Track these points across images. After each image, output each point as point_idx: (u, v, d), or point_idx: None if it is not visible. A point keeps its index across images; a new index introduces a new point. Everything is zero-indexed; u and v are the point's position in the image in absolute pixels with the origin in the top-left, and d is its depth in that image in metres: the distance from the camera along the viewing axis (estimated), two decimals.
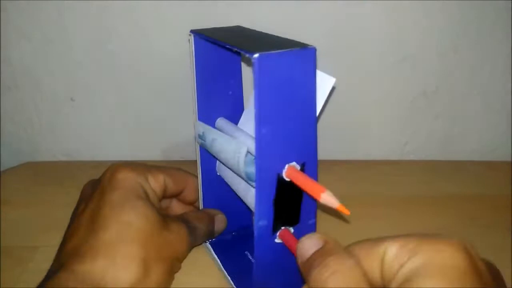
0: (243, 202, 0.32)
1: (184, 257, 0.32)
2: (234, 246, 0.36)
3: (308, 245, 0.23)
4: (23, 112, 0.50)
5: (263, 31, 0.30)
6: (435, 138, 0.52)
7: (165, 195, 0.34)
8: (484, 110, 0.51)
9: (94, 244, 0.27)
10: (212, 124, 0.34)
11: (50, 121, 0.51)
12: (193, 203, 0.37)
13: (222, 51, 0.31)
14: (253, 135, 0.26)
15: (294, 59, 0.24)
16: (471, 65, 0.48)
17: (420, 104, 0.50)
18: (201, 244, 0.35)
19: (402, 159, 0.53)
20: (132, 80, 0.48)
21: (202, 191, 0.35)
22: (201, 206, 0.36)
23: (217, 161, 0.35)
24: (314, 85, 0.26)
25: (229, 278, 0.33)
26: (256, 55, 0.23)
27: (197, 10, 0.44)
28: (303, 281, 0.22)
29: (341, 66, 0.47)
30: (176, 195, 0.36)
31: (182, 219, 0.32)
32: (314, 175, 0.27)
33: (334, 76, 0.26)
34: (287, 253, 0.27)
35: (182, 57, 0.46)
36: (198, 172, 0.35)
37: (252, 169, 0.28)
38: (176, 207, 0.36)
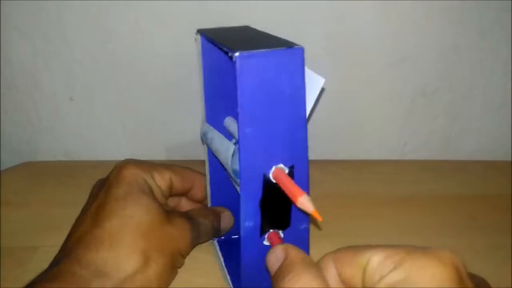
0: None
1: (187, 253, 0.33)
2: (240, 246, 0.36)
3: (272, 260, 0.23)
4: (23, 112, 0.50)
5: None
6: (435, 138, 0.52)
7: (172, 193, 0.34)
8: (484, 110, 0.51)
9: (98, 234, 0.28)
10: (220, 123, 0.34)
11: (49, 121, 0.51)
12: (201, 202, 0.37)
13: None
14: None
15: (280, 58, 0.24)
16: (471, 65, 0.48)
17: (420, 104, 0.50)
18: (207, 241, 0.35)
19: (402, 159, 0.53)
20: (131, 80, 0.48)
21: (210, 191, 0.36)
22: (209, 205, 0.36)
23: None
24: (303, 86, 0.25)
25: (228, 277, 0.33)
26: (236, 54, 0.23)
27: (197, 10, 0.44)
28: None
29: (341, 66, 0.47)
30: (184, 193, 0.36)
31: (186, 215, 0.33)
32: (304, 178, 0.27)
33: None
34: None
35: (182, 57, 0.46)
36: (206, 171, 0.35)
37: (237, 168, 0.28)
38: (185, 205, 0.37)
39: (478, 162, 0.52)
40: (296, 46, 0.24)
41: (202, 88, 0.33)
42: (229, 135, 0.33)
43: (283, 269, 0.22)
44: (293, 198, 0.24)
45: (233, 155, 0.28)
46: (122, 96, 0.49)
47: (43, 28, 0.45)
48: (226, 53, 0.24)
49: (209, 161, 0.35)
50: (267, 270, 0.24)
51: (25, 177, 0.49)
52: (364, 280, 0.20)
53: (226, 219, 0.35)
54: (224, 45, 0.25)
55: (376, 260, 0.19)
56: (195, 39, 0.31)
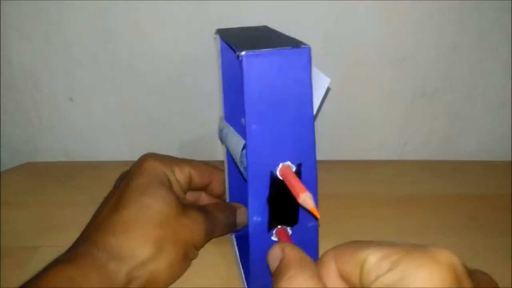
0: None
1: (201, 245, 0.33)
2: None
3: (271, 259, 0.24)
4: (23, 112, 0.50)
5: None
6: (435, 138, 0.52)
7: (191, 187, 0.36)
8: (484, 110, 0.51)
9: (116, 220, 0.30)
10: (238, 121, 0.34)
11: (49, 121, 0.51)
12: (220, 197, 0.38)
13: None
14: None
15: (286, 58, 0.24)
16: (471, 65, 0.48)
17: (420, 104, 0.50)
18: (222, 235, 0.35)
19: (401, 159, 0.53)
20: (132, 80, 0.48)
21: (229, 187, 0.36)
22: (227, 201, 0.37)
23: None
24: (310, 85, 0.26)
25: (242, 272, 0.33)
26: (243, 53, 0.24)
27: (197, 10, 0.44)
28: None
29: (341, 66, 0.47)
30: (203, 188, 0.37)
31: (202, 208, 0.34)
32: (312, 177, 0.27)
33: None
34: None
35: (182, 57, 0.46)
36: (225, 168, 0.36)
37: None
38: (205, 200, 0.38)
39: (478, 162, 0.52)
40: (303, 46, 0.25)
41: (221, 86, 0.33)
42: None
43: (280, 269, 0.22)
44: (295, 195, 0.24)
45: (242, 151, 0.29)
46: (122, 96, 0.49)
47: (43, 28, 0.45)
48: (234, 51, 0.25)
49: (227, 158, 0.36)
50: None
51: (25, 177, 0.49)
52: (361, 278, 0.20)
53: (242, 214, 0.36)
54: (234, 44, 0.26)
55: (373, 260, 0.19)
56: (214, 38, 0.32)
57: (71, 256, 0.28)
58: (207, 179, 0.36)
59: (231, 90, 0.33)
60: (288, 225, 0.28)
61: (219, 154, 0.40)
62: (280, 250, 0.24)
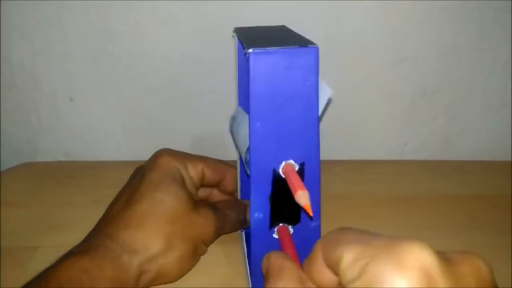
0: None
1: (211, 241, 0.34)
2: None
3: (263, 268, 0.24)
4: (23, 112, 0.50)
5: None
6: (435, 138, 0.52)
7: (204, 184, 0.36)
8: (484, 110, 0.51)
9: (129, 214, 0.31)
10: None
11: (49, 121, 0.51)
12: (232, 194, 0.39)
13: None
14: None
15: (293, 56, 0.25)
16: (471, 65, 0.48)
17: (420, 104, 0.50)
18: (232, 231, 0.36)
19: (401, 159, 0.53)
20: (131, 80, 0.48)
21: (241, 184, 0.37)
22: (239, 198, 0.38)
23: None
24: (316, 85, 0.26)
25: (248, 268, 0.33)
26: (250, 50, 0.24)
27: (197, 10, 0.44)
28: None
29: (341, 66, 0.47)
30: (216, 185, 0.38)
31: (212, 205, 0.34)
32: (315, 176, 0.27)
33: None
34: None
35: (182, 57, 0.46)
36: (237, 165, 0.37)
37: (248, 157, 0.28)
38: (217, 196, 0.39)
39: (478, 162, 0.52)
40: (310, 46, 0.25)
41: (236, 84, 0.34)
42: None
43: (266, 276, 0.23)
44: (292, 192, 0.24)
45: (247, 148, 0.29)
46: (122, 96, 0.49)
47: (43, 28, 0.45)
48: (244, 48, 0.25)
49: (240, 156, 0.36)
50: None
51: (25, 177, 0.49)
52: (339, 276, 0.19)
53: None
54: (245, 42, 0.26)
55: (347, 260, 0.18)
56: (232, 36, 0.32)
57: (85, 248, 0.29)
58: (220, 176, 0.37)
59: (243, 88, 0.34)
60: (289, 223, 0.29)
61: (219, 154, 0.40)
62: (266, 258, 0.24)
